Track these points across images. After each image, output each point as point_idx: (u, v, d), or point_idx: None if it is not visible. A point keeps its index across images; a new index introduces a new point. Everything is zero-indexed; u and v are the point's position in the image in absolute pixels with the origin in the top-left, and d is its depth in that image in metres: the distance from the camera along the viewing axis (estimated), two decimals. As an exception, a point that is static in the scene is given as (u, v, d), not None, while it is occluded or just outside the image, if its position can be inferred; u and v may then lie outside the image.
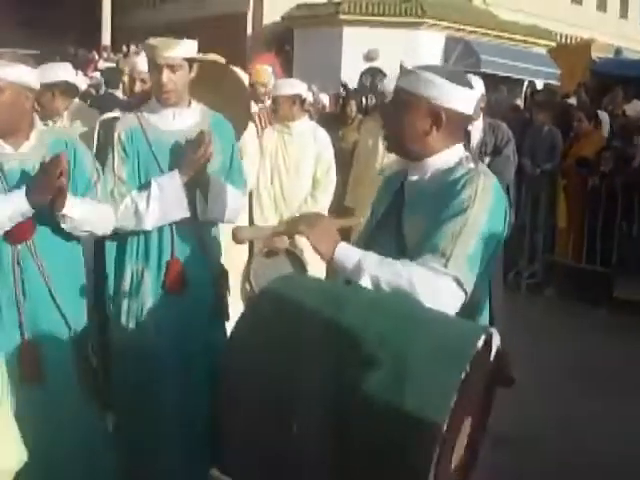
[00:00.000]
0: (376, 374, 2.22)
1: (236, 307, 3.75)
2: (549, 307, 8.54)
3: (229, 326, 4.27)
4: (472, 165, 2.78)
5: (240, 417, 2.47)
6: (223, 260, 4.35)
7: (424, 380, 2.17)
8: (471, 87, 2.83)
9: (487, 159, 6.44)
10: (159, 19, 28.87)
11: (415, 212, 2.80)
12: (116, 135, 4.02)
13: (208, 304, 4.12)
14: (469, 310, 2.68)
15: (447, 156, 2.82)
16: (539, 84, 20.25)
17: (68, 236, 3.71)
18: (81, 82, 14.23)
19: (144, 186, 3.95)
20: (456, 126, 2.82)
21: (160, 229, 3.99)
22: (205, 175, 3.95)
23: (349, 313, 2.42)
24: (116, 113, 5.21)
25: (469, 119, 2.89)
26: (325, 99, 11.00)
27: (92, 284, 4.16)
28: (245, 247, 6.16)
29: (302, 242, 3.02)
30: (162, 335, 4.01)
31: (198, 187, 3.96)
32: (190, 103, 4.09)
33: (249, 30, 26.22)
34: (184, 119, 4.05)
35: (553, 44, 27.37)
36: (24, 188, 3.46)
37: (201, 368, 4.03)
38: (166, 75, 3.88)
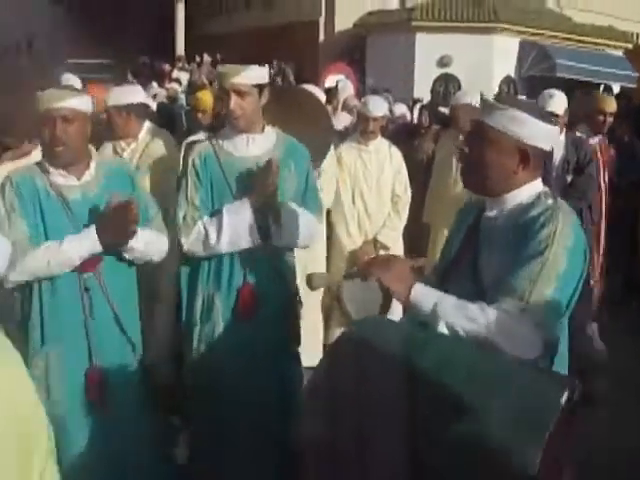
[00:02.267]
0: (455, 433, 2.13)
1: (308, 333, 3.74)
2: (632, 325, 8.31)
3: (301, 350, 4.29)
4: (550, 201, 2.69)
5: (320, 460, 2.43)
6: (300, 285, 4.34)
7: (506, 445, 2.06)
8: (554, 123, 2.78)
9: (569, 177, 6.28)
10: (232, 28, 29.11)
11: (492, 250, 2.73)
12: (190, 161, 4.07)
13: (280, 329, 4.10)
14: (547, 352, 2.59)
15: (527, 192, 2.75)
16: (615, 87, 19.86)
17: (129, 263, 3.77)
18: (159, 96, 14.46)
19: (215, 213, 3.97)
20: (539, 162, 2.76)
21: (232, 254, 4.00)
22: (277, 202, 3.95)
23: (428, 364, 2.32)
24: (200, 136, 5.25)
25: (550, 154, 2.81)
26: (403, 109, 10.90)
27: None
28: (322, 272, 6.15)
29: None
30: (233, 360, 4.01)
31: (271, 214, 3.96)
32: (264, 128, 4.10)
33: (321, 38, 26.25)
34: (257, 145, 4.06)
35: (630, 46, 26.84)
36: (93, 228, 3.52)
37: (273, 394, 4.03)
38: (234, 101, 3.90)
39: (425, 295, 2.64)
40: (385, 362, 2.37)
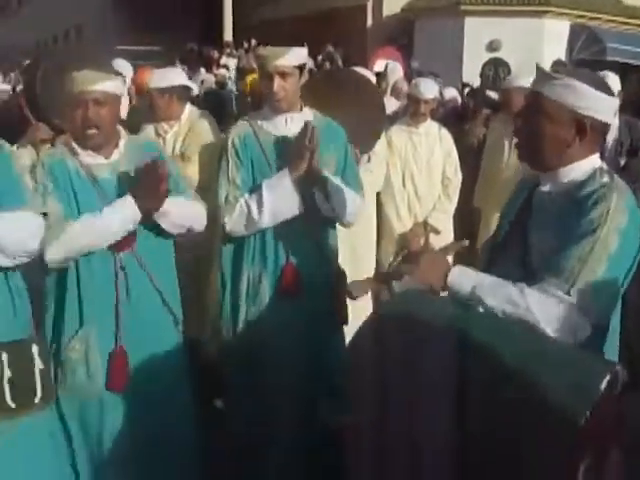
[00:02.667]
0: (499, 412, 2.09)
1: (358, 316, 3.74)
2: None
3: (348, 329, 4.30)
4: (606, 179, 2.62)
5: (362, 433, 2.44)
6: (349, 269, 4.35)
7: (545, 423, 2.01)
8: (613, 94, 2.70)
9: (623, 160, 6.19)
10: (280, 14, 29.06)
11: (542, 226, 2.70)
12: (230, 141, 4.13)
13: (326, 307, 4.14)
14: (594, 339, 2.53)
15: (583, 167, 2.68)
16: (669, 71, 19.54)
17: (166, 238, 3.80)
18: (207, 82, 14.51)
19: (255, 188, 4.01)
20: (597, 136, 2.69)
21: (276, 233, 4.06)
22: (320, 171, 3.98)
23: (475, 339, 2.26)
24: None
25: (608, 127, 2.74)
26: (454, 93, 10.81)
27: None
28: (372, 255, 6.15)
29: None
30: (280, 339, 4.06)
31: (316, 185, 4.00)
32: (302, 108, 4.15)
33: (369, 23, 26.14)
34: (296, 124, 4.08)
35: (683, 28, 26.38)
36: (129, 197, 3.54)
37: (319, 371, 4.06)
38: (277, 83, 3.96)
39: (463, 278, 2.63)
40: (433, 332, 2.33)
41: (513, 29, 22.03)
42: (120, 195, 3.59)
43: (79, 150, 3.63)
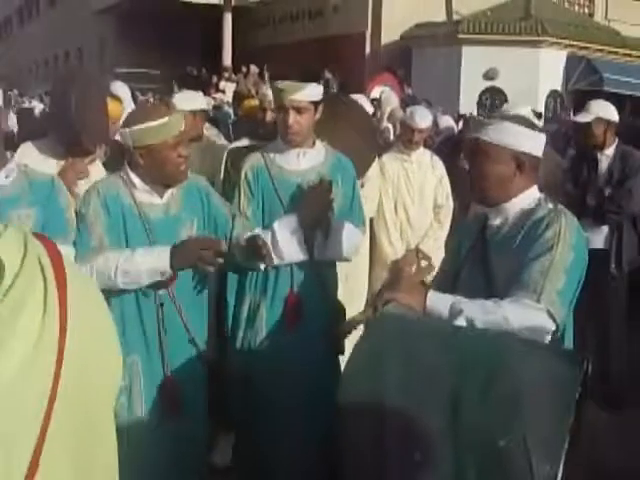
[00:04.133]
0: (489, 413, 2.27)
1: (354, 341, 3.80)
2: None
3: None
4: (551, 205, 2.99)
5: (359, 446, 2.54)
6: (342, 294, 4.39)
7: (538, 420, 2.22)
8: (541, 132, 3.11)
9: (608, 190, 6.21)
10: (278, 40, 29.24)
11: (502, 254, 2.99)
12: (243, 174, 4.16)
13: (324, 339, 4.14)
14: (558, 339, 2.85)
15: (527, 198, 3.03)
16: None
17: (200, 276, 3.85)
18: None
19: (266, 227, 4.02)
20: (533, 169, 3.05)
21: (278, 264, 4.06)
22: (327, 219, 4.03)
23: (460, 347, 2.51)
24: (244, 142, 5.35)
25: (540, 161, 3.09)
26: (450, 122, 10.87)
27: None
28: (364, 280, 6.18)
29: None
30: (277, 367, 4.08)
31: (319, 229, 4.04)
32: (314, 143, 4.19)
33: (367, 50, 26.28)
34: (308, 159, 4.15)
35: (680, 60, 26.54)
36: (169, 248, 3.58)
37: (315, 402, 4.07)
38: (292, 117, 3.98)
39: (440, 299, 2.83)
40: (421, 345, 2.56)
41: (510, 58, 22.17)
42: (169, 238, 3.66)
43: (137, 183, 3.72)
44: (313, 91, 4.05)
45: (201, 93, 6.38)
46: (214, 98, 16.03)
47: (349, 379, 2.77)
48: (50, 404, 1.25)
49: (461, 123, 11.66)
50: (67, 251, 3.34)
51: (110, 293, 3.58)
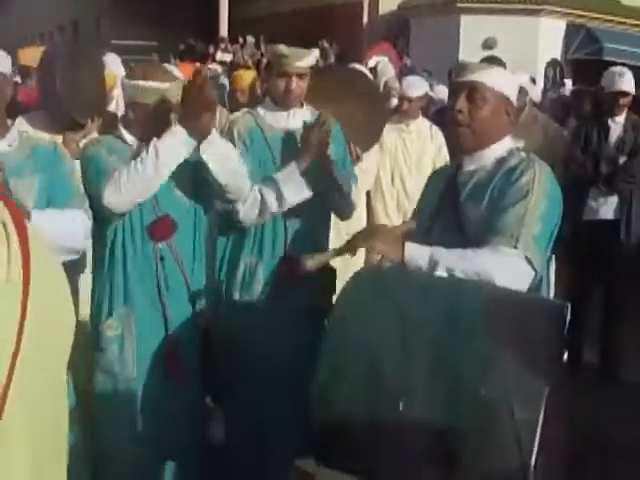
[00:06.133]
0: (470, 362, 2.33)
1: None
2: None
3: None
4: (524, 154, 2.98)
5: (342, 392, 2.61)
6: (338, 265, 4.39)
7: (519, 368, 2.26)
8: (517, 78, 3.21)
9: (622, 159, 6.15)
10: (275, 9, 29.02)
11: (475, 200, 2.98)
12: (235, 132, 4.17)
13: (321, 296, 4.14)
14: (533, 287, 2.86)
15: (504, 145, 3.03)
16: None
17: (204, 233, 3.95)
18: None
19: (267, 180, 4.06)
20: (514, 116, 3.08)
21: (274, 225, 4.13)
22: (333, 165, 4.10)
23: (439, 296, 2.56)
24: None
25: (518, 109, 3.18)
26: (444, 91, 10.75)
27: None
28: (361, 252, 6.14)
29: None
30: (274, 326, 4.10)
31: (325, 177, 4.08)
32: (302, 104, 4.25)
33: (365, 19, 26.10)
34: (297, 118, 4.19)
35: (681, 29, 26.34)
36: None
37: (307, 364, 4.04)
38: (295, 83, 4.05)
39: (419, 249, 2.83)
40: (388, 309, 2.58)
41: (509, 27, 21.98)
42: (164, 189, 3.74)
43: None
44: (314, 57, 4.19)
45: (197, 64, 6.31)
46: (209, 69, 15.88)
47: (333, 332, 2.82)
48: (17, 344, 1.30)
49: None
50: (74, 215, 3.36)
51: (113, 246, 3.71)
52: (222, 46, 24.17)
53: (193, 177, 3.87)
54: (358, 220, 6.14)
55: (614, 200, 6.25)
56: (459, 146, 3.10)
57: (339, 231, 5.17)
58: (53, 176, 3.42)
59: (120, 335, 3.69)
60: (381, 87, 9.24)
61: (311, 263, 3.01)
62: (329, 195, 4.20)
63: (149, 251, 3.76)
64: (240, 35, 24.71)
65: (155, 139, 3.58)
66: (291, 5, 28.32)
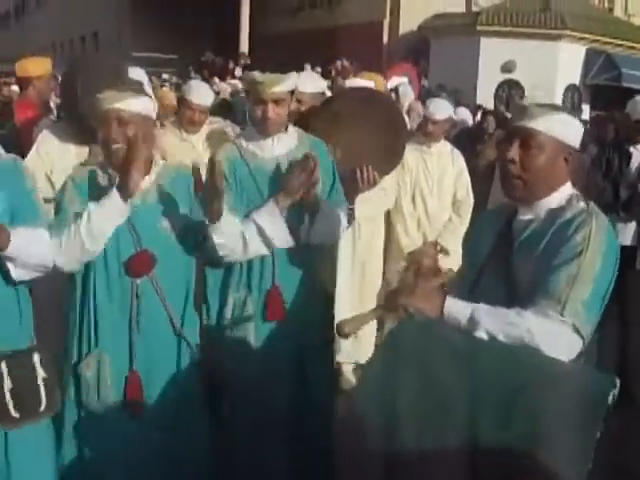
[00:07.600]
0: (512, 429, 2.24)
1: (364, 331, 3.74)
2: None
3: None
4: (583, 204, 2.77)
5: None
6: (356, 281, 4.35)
7: (561, 440, 2.18)
8: (581, 121, 2.90)
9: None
10: (296, 27, 29.14)
11: (528, 253, 2.78)
12: (217, 166, 4.03)
13: (314, 329, 4.11)
14: (582, 354, 2.67)
15: (562, 194, 2.82)
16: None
17: (185, 262, 3.80)
18: (223, 92, 14.61)
19: (245, 217, 3.96)
20: (574, 164, 2.84)
21: (262, 256, 4.02)
22: (315, 199, 3.97)
23: (483, 362, 2.46)
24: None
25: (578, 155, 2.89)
26: (466, 114, 10.80)
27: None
28: (379, 269, 6.16)
29: None
30: (268, 363, 4.03)
31: (306, 211, 3.98)
32: (287, 128, 4.13)
33: (385, 39, 26.16)
34: (283, 144, 4.10)
35: (699, 57, 26.30)
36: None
37: (307, 395, 4.09)
38: (272, 109, 3.94)
39: (459, 307, 2.66)
40: (439, 360, 2.50)
41: (528, 51, 21.96)
42: (147, 224, 3.64)
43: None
44: (291, 81, 4.04)
45: (216, 80, 6.43)
46: (230, 85, 15.97)
47: (361, 397, 2.74)
48: None
49: (479, 115, 11.60)
50: (40, 234, 3.33)
51: (86, 279, 3.61)
52: (242, 62, 24.28)
53: (183, 225, 3.78)
54: (377, 238, 6.21)
55: (632, 226, 6.28)
56: (511, 197, 2.89)
57: (357, 252, 5.14)
58: (15, 192, 3.32)
59: (96, 374, 3.60)
60: (404, 110, 9.31)
61: (350, 327, 2.82)
62: (314, 226, 4.05)
63: (126, 289, 3.63)
64: (260, 52, 24.82)
65: (91, 205, 3.48)
66: (311, 23, 28.46)
